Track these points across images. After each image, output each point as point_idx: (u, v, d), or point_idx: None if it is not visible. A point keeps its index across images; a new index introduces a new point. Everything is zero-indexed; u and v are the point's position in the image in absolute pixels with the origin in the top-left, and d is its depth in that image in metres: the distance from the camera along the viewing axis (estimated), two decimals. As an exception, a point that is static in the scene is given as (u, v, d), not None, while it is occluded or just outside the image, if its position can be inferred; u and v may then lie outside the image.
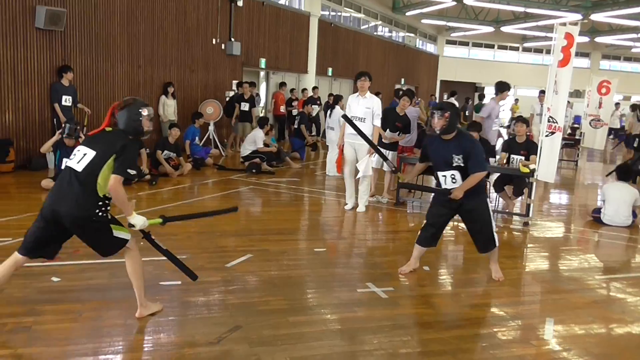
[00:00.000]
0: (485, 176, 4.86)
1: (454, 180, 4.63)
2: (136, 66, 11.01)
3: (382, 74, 22.05)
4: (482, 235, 4.80)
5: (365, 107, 7.20)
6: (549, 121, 6.83)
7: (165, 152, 9.23)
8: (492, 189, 7.96)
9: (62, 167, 7.28)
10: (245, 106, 12.20)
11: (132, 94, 10.88)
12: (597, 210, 7.64)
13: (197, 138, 10.66)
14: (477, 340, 3.80)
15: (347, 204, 7.57)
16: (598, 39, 25.35)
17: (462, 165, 4.56)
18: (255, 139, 10.22)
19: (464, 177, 4.59)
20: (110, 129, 3.63)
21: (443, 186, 4.71)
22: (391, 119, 8.05)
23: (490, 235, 4.77)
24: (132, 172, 3.53)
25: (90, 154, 3.44)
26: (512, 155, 7.58)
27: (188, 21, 12.11)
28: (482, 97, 16.69)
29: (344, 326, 3.84)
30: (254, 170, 9.87)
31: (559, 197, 10.30)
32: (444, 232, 5.08)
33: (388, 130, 7.90)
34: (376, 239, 6.55)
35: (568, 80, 6.58)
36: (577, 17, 20.79)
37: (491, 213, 4.79)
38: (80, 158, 3.45)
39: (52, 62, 9.34)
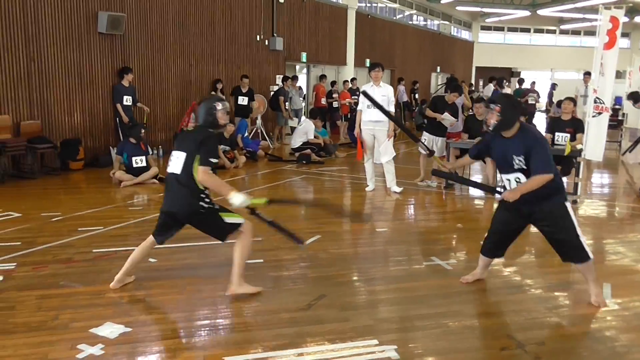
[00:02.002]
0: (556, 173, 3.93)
1: (519, 184, 3.88)
2: (188, 65, 11.57)
3: (418, 63, 22.23)
4: (564, 245, 3.97)
5: (381, 95, 7.57)
6: (595, 102, 7.06)
7: (222, 146, 9.75)
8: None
9: (133, 164, 7.97)
10: (243, 100, 12.04)
11: (184, 92, 11.49)
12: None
13: (246, 131, 11.16)
14: (538, 302, 4.14)
15: (368, 185, 8.04)
16: (638, 19, 24.92)
17: (524, 167, 3.81)
18: (307, 131, 10.67)
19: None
20: (192, 127, 4.11)
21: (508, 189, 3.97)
22: (441, 107, 8.42)
23: (577, 244, 3.91)
24: (215, 160, 3.89)
25: (182, 156, 3.88)
26: (557, 133, 7.81)
27: (234, 19, 12.62)
28: (521, 81, 16.76)
29: (416, 293, 4.24)
30: (304, 162, 10.33)
31: (604, 176, 10.46)
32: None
33: (446, 114, 8.26)
34: (430, 219, 6.92)
35: (614, 62, 6.82)
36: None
37: (574, 219, 3.92)
38: (176, 162, 3.91)
39: (113, 65, 9.96)
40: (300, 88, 15.12)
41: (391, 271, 4.76)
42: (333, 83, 16.03)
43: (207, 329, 3.56)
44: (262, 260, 4.83)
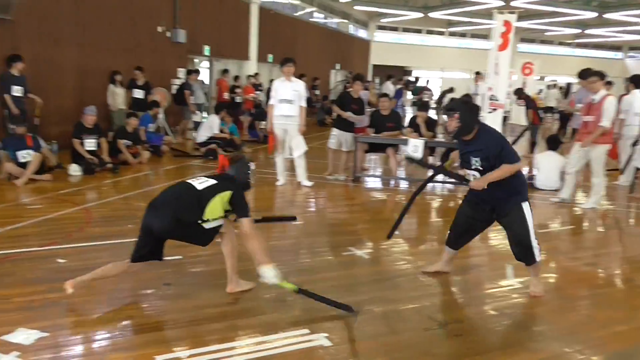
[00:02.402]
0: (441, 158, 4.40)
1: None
2: (85, 55, 10.94)
3: (319, 60, 22.55)
4: (516, 246, 4.12)
5: (293, 90, 7.75)
6: (490, 99, 7.59)
7: (124, 141, 9.35)
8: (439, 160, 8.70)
9: (20, 159, 7.41)
10: (139, 93, 11.41)
11: (81, 83, 10.87)
12: (530, 177, 8.53)
13: (151, 126, 10.77)
14: (451, 284, 4.41)
15: (278, 180, 8.10)
16: (517, 23, 26.94)
17: (480, 168, 3.98)
18: (212, 125, 10.49)
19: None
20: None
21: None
22: (347, 102, 8.61)
23: (528, 246, 4.05)
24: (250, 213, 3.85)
25: (211, 181, 3.85)
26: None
27: (134, 9, 12.09)
28: (417, 80, 17.60)
29: (340, 282, 4.36)
30: (211, 157, 10.15)
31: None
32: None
33: (350, 112, 8.45)
34: (342, 211, 7.08)
35: (507, 62, 7.35)
36: (500, 3, 22.11)
37: (529, 221, 4.05)
38: (202, 182, 3.83)
39: (1, 52, 9.20)
40: (202, 82, 14.84)
41: (312, 262, 4.84)
42: (236, 78, 15.88)
43: (133, 328, 3.44)
44: (181, 257, 4.71)
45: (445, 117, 4.12)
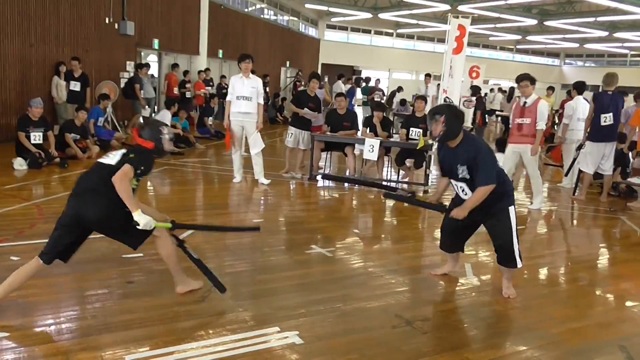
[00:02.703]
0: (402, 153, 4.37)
1: (464, 193, 4.02)
2: (28, 45, 10.48)
3: (269, 57, 22.43)
4: (499, 249, 4.11)
5: (250, 86, 7.70)
6: (445, 101, 7.78)
7: (72, 134, 9.03)
8: (393, 163, 8.87)
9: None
10: (75, 85, 10.86)
11: (25, 74, 10.41)
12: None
13: (101, 119, 10.44)
14: (415, 283, 4.51)
15: (235, 177, 8.01)
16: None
17: (467, 177, 3.91)
18: (163, 120, 10.25)
19: (472, 189, 3.94)
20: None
21: (460, 195, 4.09)
22: (304, 101, 8.63)
23: (510, 250, 4.06)
24: (139, 171, 3.53)
25: (122, 152, 3.64)
26: (411, 129, 8.50)
27: (80, -1, 11.68)
28: (368, 79, 17.83)
29: (305, 280, 4.39)
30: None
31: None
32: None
33: (306, 109, 8.47)
34: (301, 209, 7.11)
35: (462, 65, 7.57)
36: (446, 7, 22.68)
37: (513, 226, 4.05)
38: (114, 156, 3.61)
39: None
40: (152, 76, 14.50)
41: (276, 260, 4.84)
42: (185, 72, 15.60)
43: (99, 327, 3.34)
44: (142, 255, 4.59)
45: (432, 123, 3.96)
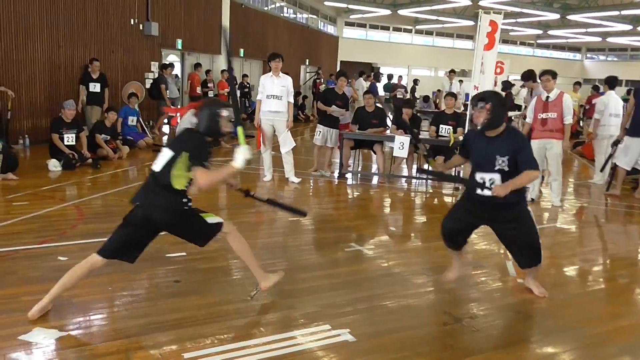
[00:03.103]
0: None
1: (491, 184, 3.79)
2: (57, 46, 10.63)
3: (289, 55, 22.38)
4: (527, 249, 3.96)
5: (281, 85, 7.73)
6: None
7: (103, 135, 9.13)
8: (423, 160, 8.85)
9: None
10: (95, 87, 10.74)
11: (53, 76, 10.56)
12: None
13: (132, 118, 10.51)
14: (458, 280, 4.50)
15: (265, 176, 8.07)
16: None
17: (505, 169, 3.73)
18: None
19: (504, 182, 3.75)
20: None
21: (477, 191, 3.86)
22: (332, 98, 8.65)
23: (537, 247, 3.95)
24: (207, 164, 3.38)
25: (168, 154, 3.47)
26: (441, 126, 8.47)
27: (106, 0, 11.80)
28: (390, 76, 17.78)
29: (348, 278, 4.39)
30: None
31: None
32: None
33: (334, 106, 8.48)
34: (334, 207, 7.12)
35: (493, 61, 7.51)
36: (467, 2, 22.53)
37: (536, 225, 3.99)
38: (160, 159, 3.50)
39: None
40: (176, 76, 14.62)
41: (315, 258, 4.87)
42: (208, 72, 15.69)
43: (153, 326, 3.38)
44: (184, 254, 4.65)
45: (476, 109, 3.75)
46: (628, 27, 25.82)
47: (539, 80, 7.46)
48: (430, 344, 3.36)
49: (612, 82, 9.13)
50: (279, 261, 4.70)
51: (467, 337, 3.49)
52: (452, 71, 16.16)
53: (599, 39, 31.83)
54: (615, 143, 8.19)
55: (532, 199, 7.35)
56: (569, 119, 6.94)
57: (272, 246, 5.10)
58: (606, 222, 7.23)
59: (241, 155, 3.38)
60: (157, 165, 3.50)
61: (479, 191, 3.84)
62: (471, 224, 4.06)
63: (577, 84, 16.07)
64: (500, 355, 3.25)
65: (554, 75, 7.03)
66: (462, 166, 7.45)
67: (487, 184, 3.78)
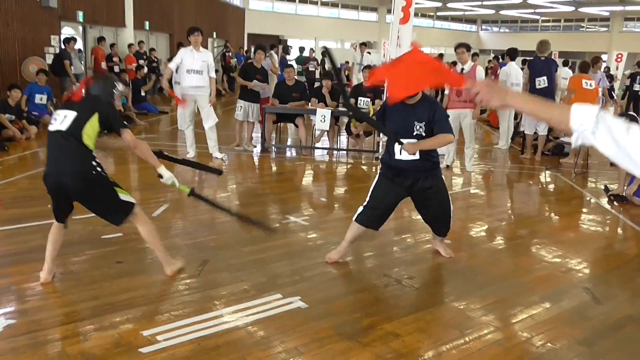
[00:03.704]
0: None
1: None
2: (-55, 20, 9.73)
3: (196, 28, 21.86)
4: (442, 219, 4.23)
5: (201, 60, 7.60)
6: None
7: (7, 115, 8.56)
8: (344, 132, 9.10)
9: None
10: None
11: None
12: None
13: (39, 96, 9.86)
14: (390, 245, 4.78)
15: (188, 152, 7.94)
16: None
17: (422, 134, 3.94)
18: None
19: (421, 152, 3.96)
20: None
21: (396, 157, 4.00)
22: (251, 73, 8.61)
23: (449, 220, 4.24)
24: (127, 125, 3.67)
25: (71, 114, 3.47)
26: (359, 98, 8.73)
27: (-2, -31, 10.92)
28: (302, 49, 17.89)
29: (290, 248, 4.53)
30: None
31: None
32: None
33: (255, 81, 8.46)
34: (264, 181, 7.20)
35: (409, 34, 7.81)
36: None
37: (448, 194, 4.23)
38: (62, 119, 3.47)
39: None
40: (79, 51, 13.84)
41: (257, 232, 4.89)
42: (112, 45, 14.99)
43: (106, 307, 3.35)
44: (121, 234, 4.56)
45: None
46: (519, 0, 27.46)
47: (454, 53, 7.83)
48: (377, 305, 3.59)
49: (513, 54, 9.80)
50: (219, 236, 4.75)
51: (409, 296, 3.76)
52: (364, 44, 16.49)
53: (492, 12, 33.59)
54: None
55: (447, 165, 7.80)
56: None
57: (209, 223, 5.11)
58: (514, 183, 7.85)
59: (166, 175, 3.77)
60: (63, 125, 3.46)
61: (398, 157, 3.99)
62: (397, 195, 4.12)
63: (475, 54, 16.90)
64: (442, 310, 3.55)
65: (468, 48, 7.46)
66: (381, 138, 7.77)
67: (405, 152, 3.94)
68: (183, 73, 7.62)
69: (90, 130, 3.48)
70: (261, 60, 8.81)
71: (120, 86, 3.76)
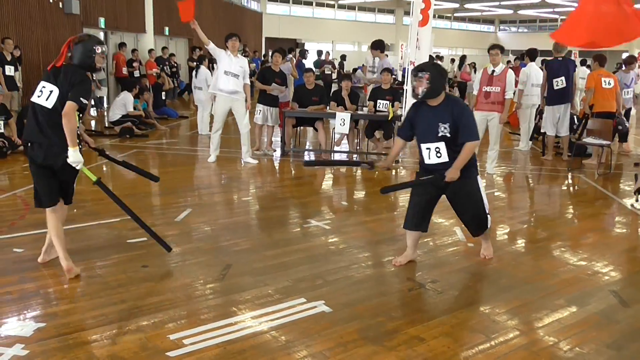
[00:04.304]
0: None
1: (438, 155, 4.02)
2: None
3: (214, 33, 21.97)
4: (474, 218, 4.24)
5: (239, 65, 7.69)
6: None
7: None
8: (362, 134, 9.10)
9: None
10: (9, 70, 10.15)
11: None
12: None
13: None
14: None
15: (210, 156, 7.99)
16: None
17: (447, 135, 3.95)
18: (126, 103, 10.05)
19: (449, 151, 4.00)
20: (65, 64, 3.80)
21: (426, 161, 4.09)
22: (270, 77, 8.64)
23: (484, 216, 4.22)
24: (85, 102, 3.73)
25: (55, 91, 3.69)
26: (378, 101, 8.72)
27: (22, -23, 11.14)
28: (320, 53, 17.88)
29: (312, 252, 4.54)
30: (127, 135, 9.76)
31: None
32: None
33: (273, 84, 8.50)
34: (285, 185, 7.23)
35: (429, 37, 7.80)
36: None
37: (483, 193, 4.22)
38: (48, 95, 3.69)
39: None
40: (101, 56, 14.04)
41: (278, 236, 4.96)
42: (133, 51, 15.18)
43: (134, 311, 3.39)
44: (145, 239, 4.62)
45: (415, 80, 3.95)
46: (537, 0, 27.22)
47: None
48: (401, 309, 3.59)
49: (532, 54, 9.74)
50: (243, 240, 4.79)
51: (433, 300, 3.75)
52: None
53: (510, 12, 33.33)
54: (539, 113, 8.78)
55: None
56: (509, 94, 7.38)
57: (232, 227, 5.15)
58: (536, 185, 7.78)
59: (76, 157, 3.74)
60: (48, 102, 3.68)
61: (428, 161, 4.07)
62: (432, 195, 4.18)
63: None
64: (466, 314, 3.53)
65: (502, 49, 7.41)
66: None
67: (433, 154, 4.03)
68: (220, 75, 7.61)
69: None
70: (278, 63, 8.83)
71: (100, 48, 3.83)
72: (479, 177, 4.25)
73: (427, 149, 4.05)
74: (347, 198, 6.76)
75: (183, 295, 3.65)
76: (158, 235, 4.31)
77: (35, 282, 3.76)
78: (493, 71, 7.38)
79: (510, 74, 7.38)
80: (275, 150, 8.90)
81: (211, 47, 7.58)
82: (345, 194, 6.97)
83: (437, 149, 4.02)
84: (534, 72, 9.45)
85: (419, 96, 3.97)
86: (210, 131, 8.33)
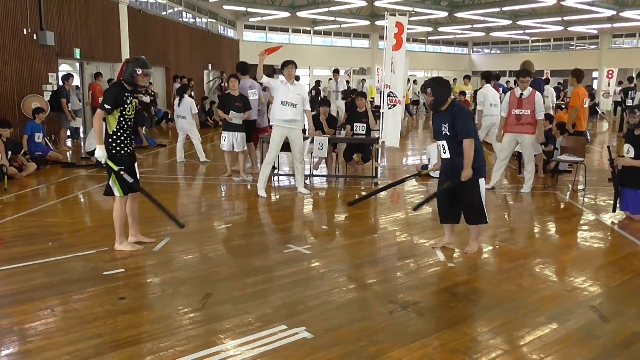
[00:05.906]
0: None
1: (444, 150, 4.96)
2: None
3: (191, 60, 22.13)
4: (471, 206, 5.02)
5: (296, 93, 7.35)
6: (389, 96, 8.12)
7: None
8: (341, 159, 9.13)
9: None
10: None
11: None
12: (425, 167, 9.25)
13: (38, 135, 9.94)
14: (393, 271, 4.76)
15: (259, 192, 7.53)
16: (377, 22, 28.45)
17: (448, 133, 4.85)
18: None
19: (450, 146, 4.89)
20: (116, 80, 4.93)
21: (442, 156, 5.04)
22: (229, 103, 8.58)
23: (481, 209, 5.01)
24: (109, 107, 4.67)
25: None
26: (355, 124, 8.79)
27: (-5, 10, 11.08)
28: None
29: (293, 278, 4.51)
30: (104, 165, 9.62)
31: (397, 159, 11.92)
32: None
33: (232, 112, 8.49)
34: (263, 210, 7.16)
35: (403, 61, 7.90)
36: (363, 3, 23.26)
37: (483, 190, 5.01)
38: None
39: None
40: (77, 87, 13.98)
41: (258, 262, 4.92)
42: (110, 81, 15.11)
43: (111, 345, 3.32)
44: (122, 270, 4.56)
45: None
46: (508, 22, 27.86)
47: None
48: (383, 332, 3.56)
49: (487, 76, 10.02)
50: (223, 267, 4.74)
51: (415, 322, 3.73)
52: (337, 72, 16.86)
53: (483, 34, 34.00)
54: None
55: (493, 187, 7.95)
56: (540, 115, 7.56)
57: (211, 255, 5.09)
58: (513, 203, 7.85)
59: (100, 153, 4.80)
60: None
61: (443, 155, 5.03)
62: (452, 194, 5.06)
63: (467, 77, 17.03)
64: (448, 335, 3.51)
65: (530, 75, 7.70)
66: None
67: (441, 149, 5.02)
68: (276, 105, 7.34)
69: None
70: (236, 87, 8.76)
71: (141, 70, 4.71)
72: (481, 180, 4.99)
73: (439, 145, 5.04)
74: (327, 222, 6.73)
75: (162, 327, 3.58)
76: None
77: (8, 319, 3.66)
78: (521, 94, 7.53)
79: (538, 96, 7.58)
80: (251, 176, 8.86)
81: (264, 80, 7.36)
82: (325, 218, 6.95)
83: (443, 146, 4.98)
84: (490, 93, 9.72)
85: (430, 107, 5.01)
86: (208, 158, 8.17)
